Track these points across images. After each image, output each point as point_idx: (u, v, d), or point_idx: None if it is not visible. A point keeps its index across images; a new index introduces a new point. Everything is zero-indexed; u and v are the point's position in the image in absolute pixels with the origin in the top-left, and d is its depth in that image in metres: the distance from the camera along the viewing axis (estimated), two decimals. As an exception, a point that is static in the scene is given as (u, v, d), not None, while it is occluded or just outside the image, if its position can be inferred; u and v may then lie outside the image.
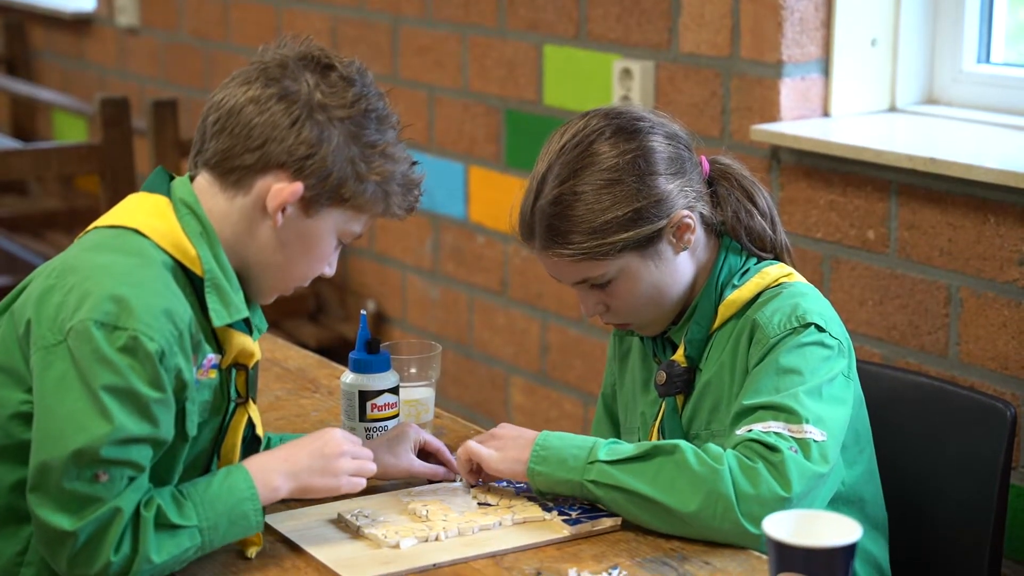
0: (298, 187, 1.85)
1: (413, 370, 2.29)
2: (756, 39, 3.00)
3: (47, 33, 6.10)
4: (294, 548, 1.92)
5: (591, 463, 1.96)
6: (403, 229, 4.14)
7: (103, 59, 5.71)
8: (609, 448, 1.97)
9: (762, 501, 1.88)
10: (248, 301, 1.92)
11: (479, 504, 2.03)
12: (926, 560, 2.28)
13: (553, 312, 3.65)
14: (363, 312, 2.27)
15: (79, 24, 5.83)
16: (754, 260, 2.13)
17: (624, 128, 2.07)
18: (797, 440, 1.92)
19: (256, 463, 1.89)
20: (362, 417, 2.17)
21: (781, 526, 1.60)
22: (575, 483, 1.97)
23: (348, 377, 2.19)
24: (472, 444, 2.04)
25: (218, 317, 1.86)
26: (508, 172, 3.74)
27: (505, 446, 2.03)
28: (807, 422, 1.94)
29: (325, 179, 1.86)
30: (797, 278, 2.11)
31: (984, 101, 2.92)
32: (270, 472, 1.87)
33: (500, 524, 1.97)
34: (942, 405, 2.32)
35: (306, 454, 1.91)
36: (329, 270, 1.95)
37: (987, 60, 2.96)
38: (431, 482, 2.12)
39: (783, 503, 1.88)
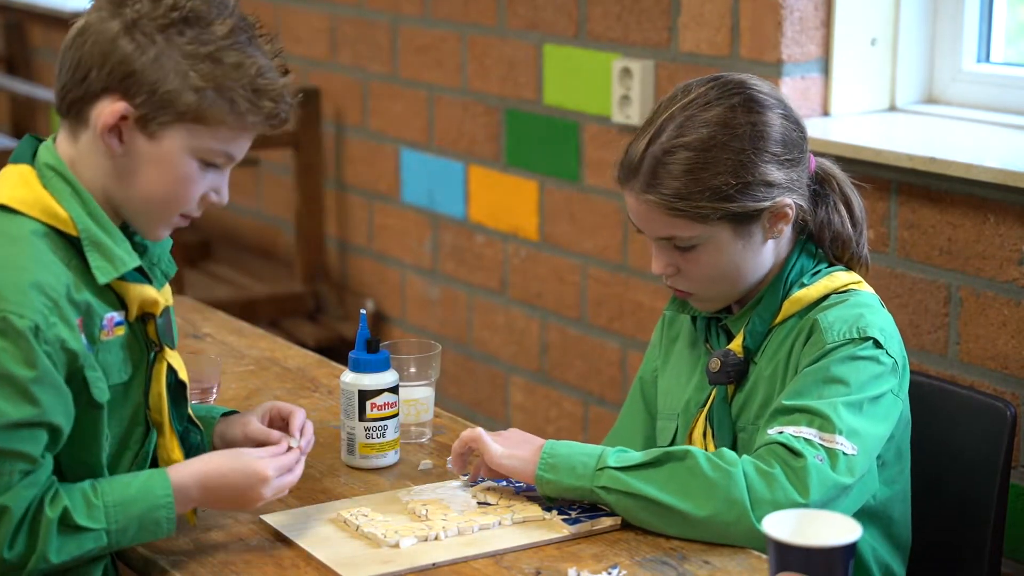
0: (119, 106, 1.79)
1: (413, 369, 2.29)
2: (756, 38, 2.99)
3: (46, 32, 6.10)
4: (294, 547, 1.92)
5: (600, 469, 1.96)
6: (403, 228, 4.14)
7: (102, 58, 5.71)
8: (618, 455, 1.97)
9: (777, 506, 1.86)
10: (142, 248, 1.89)
11: (479, 503, 2.03)
12: (926, 559, 2.27)
13: (553, 311, 3.65)
14: (362, 311, 2.27)
15: (78, 23, 5.82)
16: (825, 264, 2.12)
17: (755, 100, 2.06)
18: (826, 449, 1.92)
19: (178, 478, 1.85)
20: (361, 416, 2.17)
21: (781, 526, 1.60)
22: (585, 490, 1.96)
23: (348, 376, 2.19)
24: (481, 431, 2.04)
25: (103, 274, 1.81)
26: (508, 171, 3.73)
27: (511, 444, 2.03)
28: (840, 433, 1.93)
29: (152, 94, 1.79)
30: (865, 288, 2.10)
31: (984, 100, 2.92)
32: (186, 493, 1.85)
33: (500, 523, 1.97)
34: (942, 405, 2.31)
35: (228, 488, 1.87)
36: (216, 197, 1.87)
37: (987, 59, 2.96)
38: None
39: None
